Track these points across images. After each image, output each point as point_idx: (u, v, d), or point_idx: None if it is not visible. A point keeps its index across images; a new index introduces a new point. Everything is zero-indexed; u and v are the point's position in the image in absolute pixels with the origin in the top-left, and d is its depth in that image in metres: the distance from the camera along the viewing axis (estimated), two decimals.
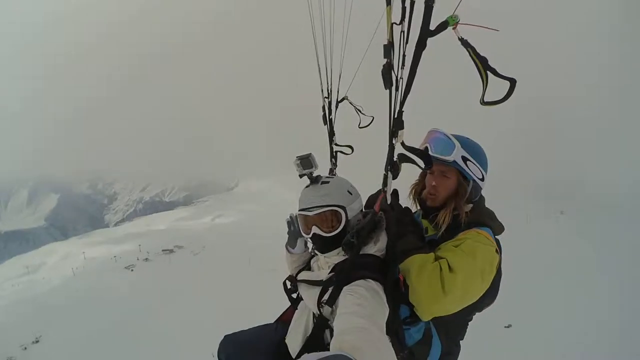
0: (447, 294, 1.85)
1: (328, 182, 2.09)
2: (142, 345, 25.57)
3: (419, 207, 2.56)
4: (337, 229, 2.01)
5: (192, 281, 39.92)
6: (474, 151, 2.24)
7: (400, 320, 1.97)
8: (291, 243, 2.51)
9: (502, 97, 1.27)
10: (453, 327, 2.31)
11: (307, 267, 2.43)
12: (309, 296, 2.06)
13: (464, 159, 2.18)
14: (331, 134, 2.99)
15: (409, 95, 1.68)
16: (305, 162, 2.09)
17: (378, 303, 1.66)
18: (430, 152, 2.18)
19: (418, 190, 2.53)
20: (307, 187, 2.14)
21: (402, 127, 1.72)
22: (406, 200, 2.53)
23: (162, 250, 60.71)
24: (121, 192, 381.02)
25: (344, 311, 1.57)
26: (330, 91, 2.98)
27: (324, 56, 2.84)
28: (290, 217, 2.49)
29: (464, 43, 1.32)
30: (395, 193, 2.38)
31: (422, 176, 2.51)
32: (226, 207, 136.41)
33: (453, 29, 1.30)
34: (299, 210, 2.11)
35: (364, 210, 2.26)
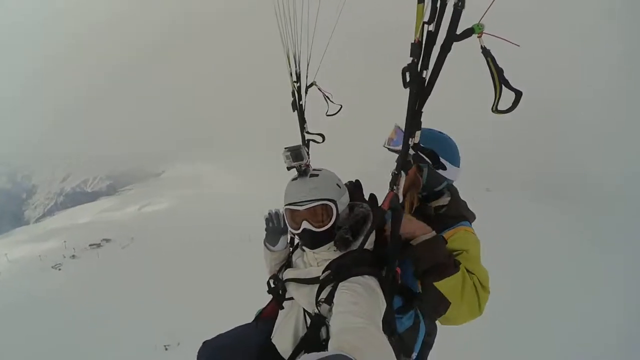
0: (481, 312, 2.05)
1: (317, 175, 2.06)
2: (80, 349, 24.71)
3: None
4: (328, 224, 1.99)
5: (123, 277, 38.79)
6: (430, 142, 2.30)
7: (393, 311, 1.98)
8: (272, 240, 2.43)
9: (509, 107, 1.35)
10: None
11: (288, 264, 2.41)
12: (302, 295, 2.04)
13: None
14: (302, 120, 2.81)
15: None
16: (296, 154, 2.06)
17: (374, 300, 1.67)
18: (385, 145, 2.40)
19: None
20: (294, 179, 2.09)
21: (419, 128, 1.74)
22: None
23: (89, 245, 58.56)
24: (40, 184, 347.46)
25: (340, 310, 1.58)
26: (299, 75, 2.80)
27: (291, 35, 2.65)
28: (270, 213, 2.44)
29: (485, 52, 1.38)
30: (373, 198, 2.40)
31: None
32: (154, 195, 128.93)
33: (478, 37, 1.35)
34: (287, 205, 2.06)
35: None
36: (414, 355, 2.26)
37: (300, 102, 2.82)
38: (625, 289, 18.49)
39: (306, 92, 2.82)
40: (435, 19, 1.46)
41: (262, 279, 2.50)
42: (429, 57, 1.51)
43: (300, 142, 2.55)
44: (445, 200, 2.43)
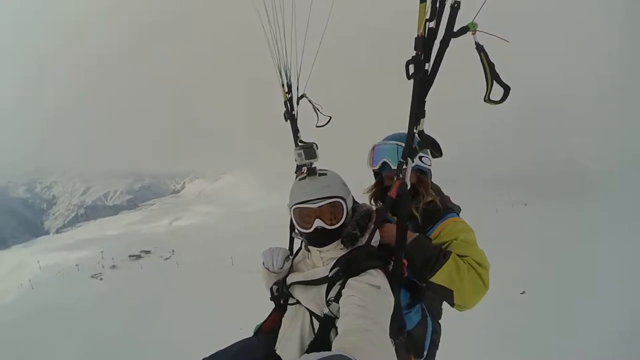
0: (486, 287, 2.03)
1: (326, 174, 2.07)
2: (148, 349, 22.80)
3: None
4: (340, 221, 1.98)
5: (172, 288, 37.30)
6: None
7: (401, 305, 2.02)
8: (281, 262, 2.31)
9: (500, 99, 1.46)
10: (435, 305, 2.44)
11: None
12: (310, 296, 1.99)
13: (419, 158, 2.37)
14: (295, 130, 2.78)
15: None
16: (309, 152, 2.11)
17: (382, 300, 1.66)
18: (392, 168, 2.40)
19: (379, 196, 2.63)
20: (301, 179, 2.07)
21: (424, 116, 1.83)
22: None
23: (129, 256, 58.45)
24: (61, 196, 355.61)
25: (347, 312, 1.56)
26: (291, 86, 2.78)
27: (282, 46, 2.63)
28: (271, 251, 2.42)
29: (479, 48, 1.46)
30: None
31: (378, 183, 2.67)
32: (178, 210, 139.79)
33: (472, 34, 1.44)
34: (297, 204, 2.00)
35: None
36: (425, 354, 2.30)
37: (293, 112, 2.86)
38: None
39: (298, 103, 2.87)
40: (436, 17, 1.62)
41: None
42: (431, 51, 1.66)
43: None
44: (432, 195, 2.46)
